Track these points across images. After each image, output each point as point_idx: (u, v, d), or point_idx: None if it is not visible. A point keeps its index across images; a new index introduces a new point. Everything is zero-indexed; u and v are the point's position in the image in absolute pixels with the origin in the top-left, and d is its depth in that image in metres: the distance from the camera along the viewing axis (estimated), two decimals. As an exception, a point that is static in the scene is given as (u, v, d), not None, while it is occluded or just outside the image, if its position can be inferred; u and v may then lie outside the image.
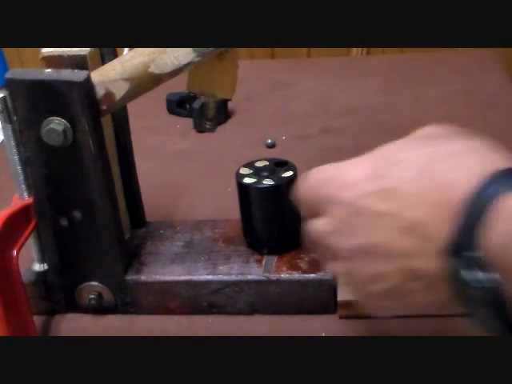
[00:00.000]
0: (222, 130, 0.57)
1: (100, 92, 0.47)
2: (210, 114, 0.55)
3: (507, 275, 0.28)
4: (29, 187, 0.50)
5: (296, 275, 0.52)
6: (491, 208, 0.27)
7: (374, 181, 0.34)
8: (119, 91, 0.47)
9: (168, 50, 0.47)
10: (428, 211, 0.30)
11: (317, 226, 0.38)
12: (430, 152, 0.32)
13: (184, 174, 0.76)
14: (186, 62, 0.47)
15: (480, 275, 0.28)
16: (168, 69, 0.47)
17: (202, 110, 0.85)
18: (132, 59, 0.47)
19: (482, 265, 0.28)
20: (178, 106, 0.92)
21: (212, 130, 0.57)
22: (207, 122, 0.56)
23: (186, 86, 0.53)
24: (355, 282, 0.37)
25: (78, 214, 0.50)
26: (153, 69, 0.47)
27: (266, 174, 0.54)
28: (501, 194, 0.27)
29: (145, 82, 0.47)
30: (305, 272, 0.52)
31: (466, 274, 0.29)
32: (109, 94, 0.47)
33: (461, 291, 0.30)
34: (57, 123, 0.46)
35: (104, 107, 0.47)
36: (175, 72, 0.47)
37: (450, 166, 0.31)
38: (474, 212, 0.28)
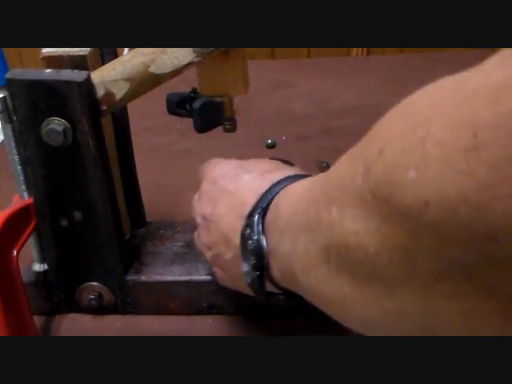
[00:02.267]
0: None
1: (100, 92, 0.47)
2: (227, 114, 0.55)
3: (271, 239, 0.38)
4: (29, 187, 0.50)
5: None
6: (270, 197, 0.41)
7: (234, 169, 0.47)
8: (119, 91, 0.47)
9: (168, 50, 0.47)
10: (248, 198, 0.43)
11: (194, 198, 0.51)
12: (264, 172, 0.46)
13: (184, 174, 0.76)
14: (186, 62, 0.47)
15: (254, 234, 0.39)
16: (168, 69, 0.47)
17: (203, 111, 0.86)
18: (132, 59, 0.47)
19: (258, 229, 0.39)
20: (178, 106, 0.92)
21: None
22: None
23: (199, 91, 0.53)
24: (199, 246, 0.48)
25: (78, 214, 0.50)
26: (153, 69, 0.47)
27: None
28: (280, 189, 0.41)
29: (145, 82, 0.47)
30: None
31: (247, 231, 0.40)
32: (109, 94, 0.47)
33: (242, 246, 0.41)
34: (57, 123, 0.46)
35: (104, 107, 0.47)
36: (175, 72, 0.47)
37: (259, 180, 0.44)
38: (264, 199, 0.41)
